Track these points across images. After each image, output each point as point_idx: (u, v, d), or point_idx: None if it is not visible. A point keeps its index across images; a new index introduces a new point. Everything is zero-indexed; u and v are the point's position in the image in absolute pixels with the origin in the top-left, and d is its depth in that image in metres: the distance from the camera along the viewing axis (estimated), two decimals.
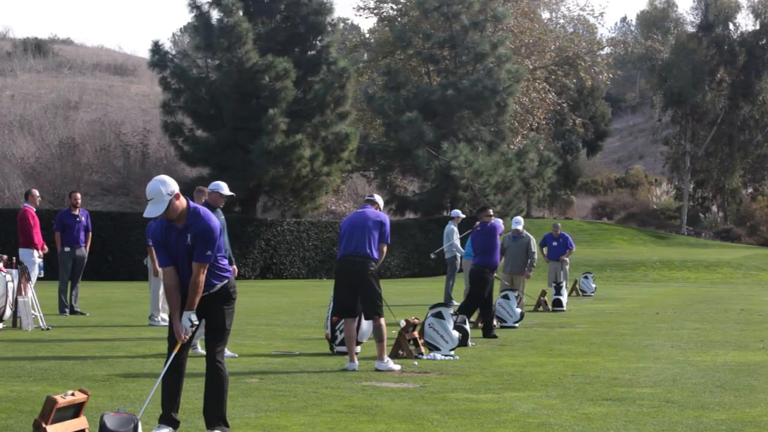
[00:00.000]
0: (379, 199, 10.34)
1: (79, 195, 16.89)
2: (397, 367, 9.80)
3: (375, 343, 9.97)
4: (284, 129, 32.05)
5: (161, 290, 14.28)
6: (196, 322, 6.27)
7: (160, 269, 13.17)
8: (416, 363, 10.33)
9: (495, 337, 13.32)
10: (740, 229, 56.13)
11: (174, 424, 6.32)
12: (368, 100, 40.15)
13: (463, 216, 19.02)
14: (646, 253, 41.76)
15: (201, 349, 10.80)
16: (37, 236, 15.34)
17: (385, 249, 10.00)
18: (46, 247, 15.82)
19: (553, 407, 7.60)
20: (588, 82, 54.54)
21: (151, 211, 6.13)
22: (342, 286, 9.99)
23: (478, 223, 14.33)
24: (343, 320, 10.97)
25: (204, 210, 6.31)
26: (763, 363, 10.68)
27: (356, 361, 9.85)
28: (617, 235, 51.34)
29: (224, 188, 10.91)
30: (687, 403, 7.85)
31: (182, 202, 6.22)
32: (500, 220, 15.70)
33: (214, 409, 6.35)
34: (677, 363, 10.55)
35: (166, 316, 14.42)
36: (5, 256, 14.08)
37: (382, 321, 9.92)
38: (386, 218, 10.08)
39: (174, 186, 6.16)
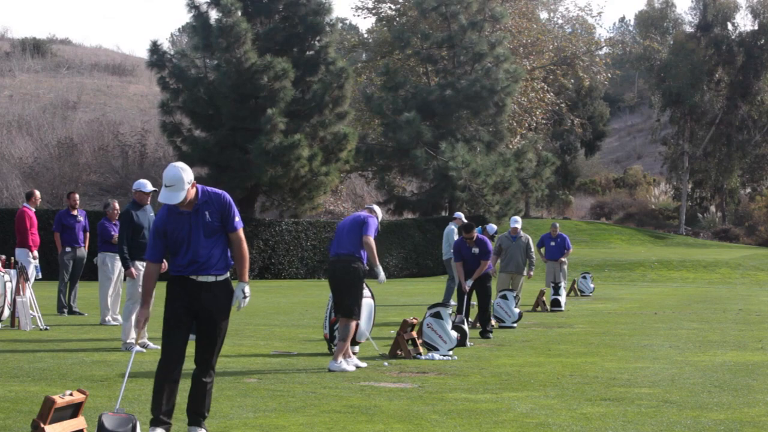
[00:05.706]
0: (376, 209, 10.44)
1: (77, 195, 16.91)
2: (351, 368, 9.69)
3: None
4: (283, 129, 32.03)
5: (110, 291, 14.35)
6: (249, 294, 6.30)
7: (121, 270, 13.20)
8: (387, 364, 10.25)
9: (488, 337, 13.34)
10: (738, 229, 56.15)
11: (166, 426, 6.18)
12: (367, 100, 40.14)
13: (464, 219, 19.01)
14: (644, 253, 41.77)
15: (152, 345, 10.90)
16: (33, 237, 15.34)
17: (369, 241, 9.91)
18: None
19: (552, 407, 7.60)
20: (586, 82, 54.61)
21: (169, 197, 6.09)
22: (331, 286, 10.23)
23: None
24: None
25: (211, 189, 6.35)
26: (762, 363, 10.69)
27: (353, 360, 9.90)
28: (615, 235, 51.35)
29: (147, 186, 11.63)
30: (685, 403, 7.86)
31: (194, 189, 6.24)
32: (495, 227, 15.90)
33: (198, 408, 6.30)
34: (675, 363, 10.55)
35: (119, 317, 14.47)
36: (3, 256, 14.10)
37: (352, 323, 9.87)
38: (370, 216, 10.13)
39: (192, 175, 6.19)
